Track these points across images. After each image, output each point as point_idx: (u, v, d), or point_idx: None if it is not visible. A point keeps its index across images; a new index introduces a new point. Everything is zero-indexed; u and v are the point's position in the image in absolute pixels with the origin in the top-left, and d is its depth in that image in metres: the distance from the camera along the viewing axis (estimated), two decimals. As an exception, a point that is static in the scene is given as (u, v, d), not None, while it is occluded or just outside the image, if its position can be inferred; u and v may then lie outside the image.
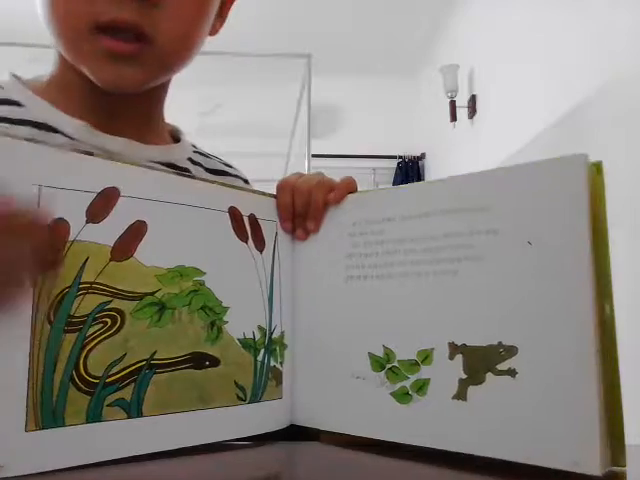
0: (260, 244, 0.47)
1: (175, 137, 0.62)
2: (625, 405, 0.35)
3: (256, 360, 0.45)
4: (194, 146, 0.65)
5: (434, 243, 0.42)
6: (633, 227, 1.40)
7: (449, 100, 2.94)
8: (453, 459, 0.39)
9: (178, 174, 0.44)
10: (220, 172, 0.65)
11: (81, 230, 0.36)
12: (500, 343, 0.38)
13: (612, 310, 0.36)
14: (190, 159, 0.61)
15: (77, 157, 0.38)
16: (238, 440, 0.43)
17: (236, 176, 0.67)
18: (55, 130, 0.50)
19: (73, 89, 0.52)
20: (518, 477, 0.36)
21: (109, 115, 0.53)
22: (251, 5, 2.90)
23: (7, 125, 0.49)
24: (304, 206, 0.49)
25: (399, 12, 3.12)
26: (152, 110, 0.59)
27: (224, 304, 0.44)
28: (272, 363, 0.47)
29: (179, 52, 0.51)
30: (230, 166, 0.68)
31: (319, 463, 0.42)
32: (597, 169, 0.37)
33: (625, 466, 0.35)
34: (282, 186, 0.50)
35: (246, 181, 0.68)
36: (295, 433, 0.48)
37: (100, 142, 0.51)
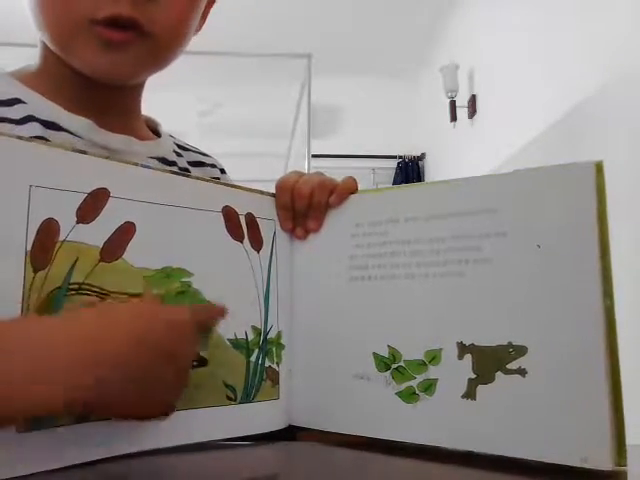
0: (257, 243, 0.47)
1: (152, 128, 0.62)
2: (624, 405, 0.35)
3: (248, 360, 0.45)
4: (172, 136, 0.65)
5: (441, 245, 0.42)
6: (634, 227, 1.40)
7: (449, 100, 2.94)
8: (451, 457, 0.39)
9: (178, 174, 0.44)
10: (198, 163, 0.65)
11: (71, 230, 0.36)
12: (510, 343, 0.38)
13: (612, 305, 0.36)
14: (174, 151, 0.61)
15: (69, 156, 0.38)
16: (233, 440, 0.43)
17: (212, 165, 0.67)
18: (60, 128, 0.50)
19: (63, 85, 0.51)
20: (515, 474, 0.36)
21: (100, 110, 0.52)
22: (251, 5, 2.90)
23: (13, 126, 0.47)
24: (305, 207, 0.49)
25: (399, 12, 3.12)
26: (137, 105, 0.59)
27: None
28: (267, 363, 0.46)
29: (171, 45, 0.51)
30: (206, 155, 0.68)
31: (318, 463, 0.42)
32: (597, 169, 0.38)
33: (625, 466, 0.34)
34: (282, 186, 0.50)
35: (222, 170, 0.68)
36: (293, 434, 0.47)
37: (103, 140, 0.51)
